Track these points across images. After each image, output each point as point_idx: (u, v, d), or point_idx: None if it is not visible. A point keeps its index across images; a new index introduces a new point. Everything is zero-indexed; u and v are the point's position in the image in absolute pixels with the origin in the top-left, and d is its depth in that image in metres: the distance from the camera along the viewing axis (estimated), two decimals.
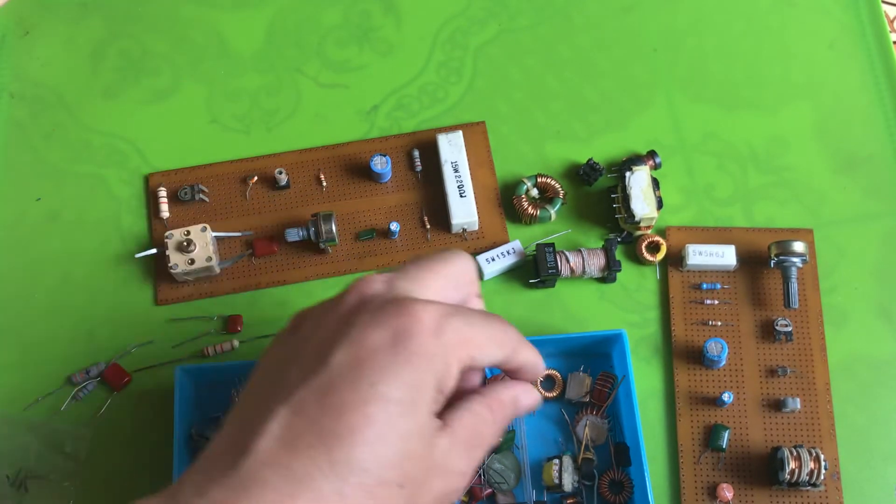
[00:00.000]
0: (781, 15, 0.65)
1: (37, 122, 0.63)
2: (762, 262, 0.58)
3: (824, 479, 0.51)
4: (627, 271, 0.58)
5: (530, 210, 0.59)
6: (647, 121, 0.62)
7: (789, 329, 0.56)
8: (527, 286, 0.58)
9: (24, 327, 0.58)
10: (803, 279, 0.57)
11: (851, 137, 0.62)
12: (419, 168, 0.61)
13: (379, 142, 0.62)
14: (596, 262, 0.57)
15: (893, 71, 0.63)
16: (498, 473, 0.52)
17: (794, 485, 0.51)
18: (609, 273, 0.58)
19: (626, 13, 0.65)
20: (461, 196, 0.59)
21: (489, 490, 0.52)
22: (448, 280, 0.39)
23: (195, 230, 0.57)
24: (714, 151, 0.62)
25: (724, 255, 0.57)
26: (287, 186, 0.61)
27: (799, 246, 0.56)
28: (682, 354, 0.56)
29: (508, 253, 0.58)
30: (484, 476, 0.52)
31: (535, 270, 0.57)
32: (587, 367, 0.55)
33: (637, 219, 0.57)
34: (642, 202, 0.57)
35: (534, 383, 0.42)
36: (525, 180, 0.60)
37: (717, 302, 0.57)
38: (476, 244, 0.59)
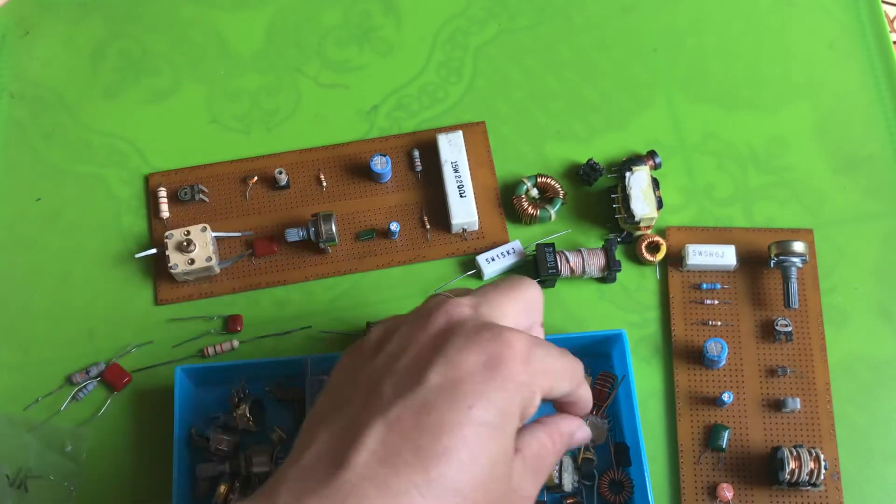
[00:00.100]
0: (781, 15, 0.65)
1: (37, 122, 0.63)
2: (762, 262, 0.58)
3: (824, 479, 0.51)
4: (627, 271, 0.58)
5: (530, 210, 0.59)
6: (647, 121, 0.62)
7: (789, 329, 0.56)
8: None
9: (24, 327, 0.58)
10: (803, 279, 0.57)
11: (851, 137, 0.62)
12: (419, 168, 0.61)
13: (379, 142, 0.62)
14: (596, 262, 0.57)
15: (893, 71, 0.63)
16: None
17: (794, 485, 0.51)
18: (609, 273, 0.58)
19: (626, 13, 0.65)
20: (461, 196, 0.59)
21: None
22: (521, 307, 0.41)
23: (195, 230, 0.57)
24: (714, 151, 0.62)
25: (724, 255, 0.57)
26: (287, 186, 0.61)
27: (799, 246, 0.56)
28: (682, 354, 0.56)
29: (508, 253, 0.58)
30: None
31: (535, 270, 0.57)
32: (587, 367, 0.54)
33: (637, 219, 0.57)
34: (642, 202, 0.57)
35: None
36: (525, 180, 0.60)
37: (717, 302, 0.57)
38: (476, 244, 0.59)
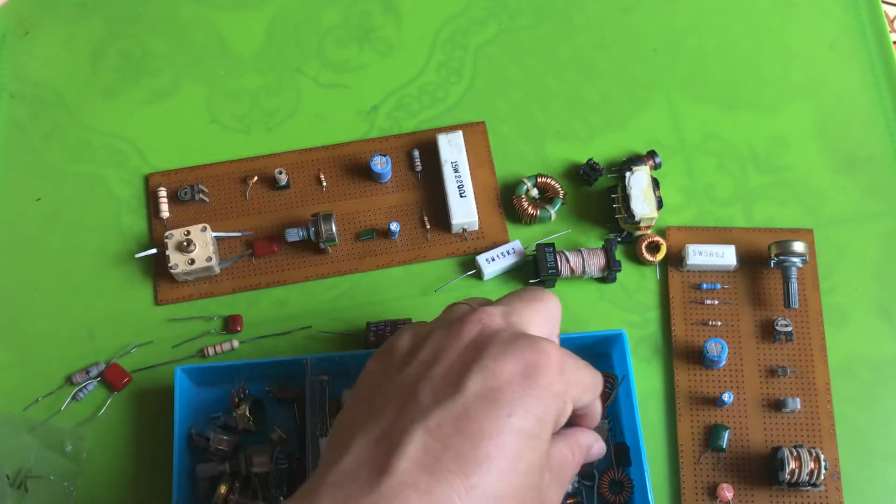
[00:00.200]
0: (781, 15, 0.65)
1: (37, 122, 0.63)
2: (762, 262, 0.58)
3: (824, 479, 0.51)
4: (627, 271, 0.58)
5: (530, 210, 0.59)
6: (647, 121, 0.62)
7: (789, 329, 0.56)
8: (527, 286, 0.58)
9: (24, 327, 0.58)
10: (803, 279, 0.57)
11: (851, 137, 0.62)
12: (419, 168, 0.61)
13: (379, 142, 0.62)
14: (596, 262, 0.57)
15: (893, 71, 0.63)
16: None
17: (794, 485, 0.51)
18: (609, 273, 0.58)
19: (626, 13, 0.65)
20: (461, 196, 0.59)
21: None
22: (545, 318, 0.42)
23: (195, 230, 0.57)
24: (714, 151, 0.62)
25: (724, 255, 0.57)
26: (287, 186, 0.61)
27: (799, 246, 0.56)
28: (682, 354, 0.56)
29: (508, 253, 0.58)
30: None
31: (535, 270, 0.57)
32: None
33: (637, 219, 0.57)
34: (642, 202, 0.57)
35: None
36: (525, 180, 0.60)
37: (717, 302, 0.57)
38: (476, 244, 0.59)
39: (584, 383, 0.40)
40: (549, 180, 0.60)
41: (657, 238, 0.58)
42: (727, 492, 0.52)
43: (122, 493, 0.54)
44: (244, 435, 0.54)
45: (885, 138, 0.62)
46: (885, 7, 0.66)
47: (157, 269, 0.59)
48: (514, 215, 0.60)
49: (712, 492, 0.53)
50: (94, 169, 0.62)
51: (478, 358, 0.37)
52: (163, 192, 0.60)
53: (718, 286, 0.57)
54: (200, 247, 0.57)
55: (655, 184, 0.58)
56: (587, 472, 0.52)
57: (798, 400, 0.54)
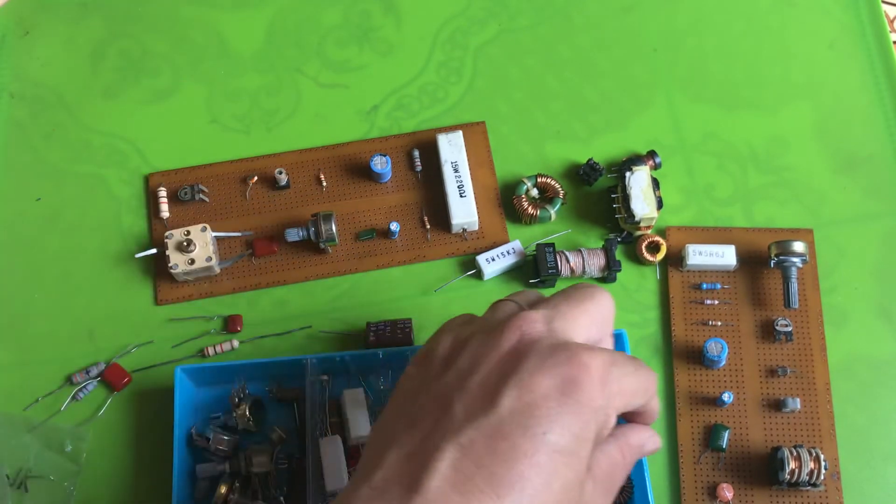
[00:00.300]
0: (781, 15, 0.65)
1: (37, 122, 0.63)
2: (762, 262, 0.58)
3: (824, 479, 0.51)
4: (627, 271, 0.58)
5: (530, 210, 0.59)
6: (647, 121, 0.62)
7: (789, 329, 0.56)
8: (527, 286, 0.58)
9: (24, 327, 0.58)
10: (803, 279, 0.57)
11: (851, 137, 0.62)
12: (419, 168, 0.61)
13: (379, 142, 0.62)
14: (596, 262, 0.57)
15: (893, 71, 0.63)
16: None
17: (794, 485, 0.51)
18: (609, 273, 0.58)
19: (626, 13, 0.65)
20: (461, 196, 0.59)
21: None
22: (594, 319, 0.39)
23: (195, 230, 0.57)
24: (714, 151, 0.62)
25: (724, 255, 0.57)
26: (287, 186, 0.61)
27: (799, 246, 0.56)
28: (682, 354, 0.56)
29: (508, 253, 0.58)
30: None
31: (535, 270, 0.57)
32: None
33: (637, 219, 0.57)
34: (642, 202, 0.57)
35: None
36: (525, 180, 0.60)
37: (717, 302, 0.57)
38: (476, 244, 0.59)
39: (630, 391, 0.38)
40: (549, 180, 0.60)
41: (657, 238, 0.58)
42: (727, 492, 0.52)
43: (122, 493, 0.54)
44: (244, 435, 0.54)
45: (885, 138, 0.62)
46: (885, 7, 0.66)
47: (157, 269, 0.59)
48: (514, 215, 0.60)
49: (712, 492, 0.53)
50: (94, 169, 0.62)
51: (514, 371, 0.36)
52: (163, 192, 0.60)
53: (718, 286, 0.57)
54: (200, 247, 0.57)
55: (655, 184, 0.58)
56: None
57: (798, 400, 0.54)
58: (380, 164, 0.59)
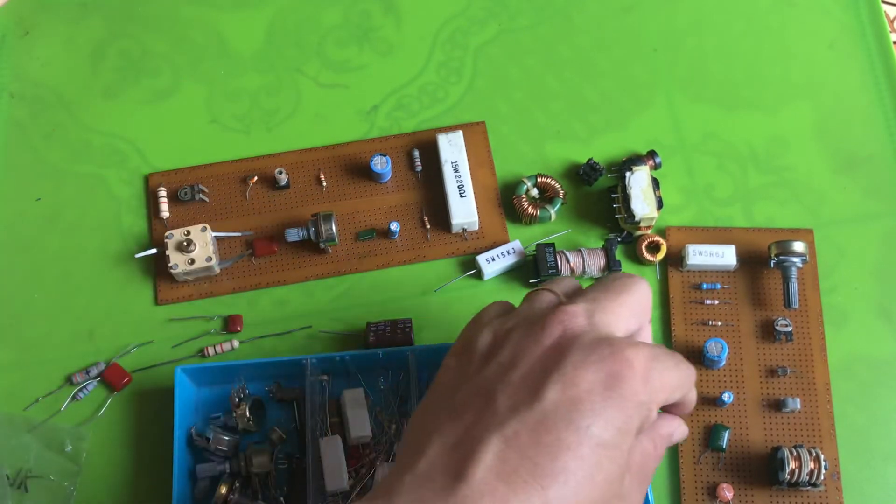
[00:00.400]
0: (781, 15, 0.65)
1: (37, 122, 0.63)
2: (762, 262, 0.58)
3: (824, 479, 0.51)
4: (627, 271, 0.58)
5: (530, 210, 0.59)
6: (647, 121, 0.62)
7: (789, 329, 0.56)
8: (527, 286, 0.58)
9: (23, 327, 0.58)
10: (803, 279, 0.57)
11: (851, 137, 0.62)
12: (419, 168, 0.61)
13: (379, 142, 0.62)
14: (596, 262, 0.57)
15: (893, 71, 0.63)
16: None
17: (794, 485, 0.51)
18: (609, 273, 0.58)
19: (626, 13, 0.65)
20: (461, 196, 0.59)
21: None
22: (633, 310, 0.40)
23: (195, 230, 0.57)
24: (714, 151, 0.62)
25: (724, 255, 0.57)
26: (287, 186, 0.61)
27: (799, 246, 0.56)
28: (682, 354, 0.56)
29: (508, 253, 0.58)
30: None
31: (535, 270, 0.57)
32: None
33: (637, 219, 0.57)
34: (642, 202, 0.57)
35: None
36: (525, 180, 0.60)
37: (717, 302, 0.57)
38: (476, 244, 0.59)
39: (671, 386, 0.38)
40: (549, 180, 0.60)
41: (657, 238, 0.58)
42: (727, 492, 0.52)
43: (122, 493, 0.54)
44: (244, 435, 0.54)
45: (885, 138, 0.62)
46: (885, 7, 0.66)
47: (157, 269, 0.59)
48: (514, 215, 0.60)
49: (712, 492, 0.53)
50: (93, 169, 0.62)
51: (558, 365, 0.36)
52: (163, 192, 0.60)
53: (718, 286, 0.57)
54: (200, 247, 0.57)
55: (655, 184, 0.58)
56: None
57: (798, 400, 0.54)
58: (380, 164, 0.59)
